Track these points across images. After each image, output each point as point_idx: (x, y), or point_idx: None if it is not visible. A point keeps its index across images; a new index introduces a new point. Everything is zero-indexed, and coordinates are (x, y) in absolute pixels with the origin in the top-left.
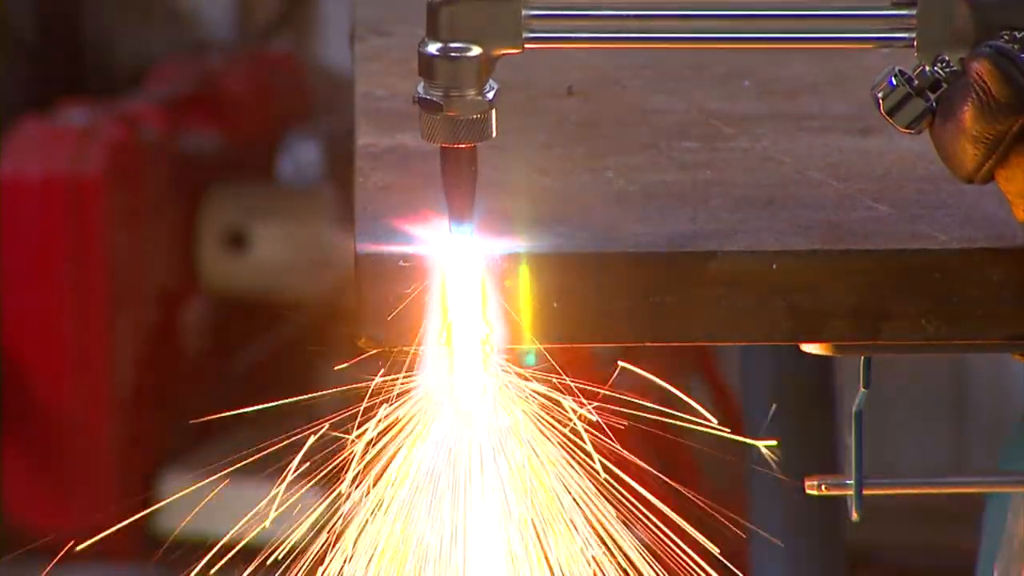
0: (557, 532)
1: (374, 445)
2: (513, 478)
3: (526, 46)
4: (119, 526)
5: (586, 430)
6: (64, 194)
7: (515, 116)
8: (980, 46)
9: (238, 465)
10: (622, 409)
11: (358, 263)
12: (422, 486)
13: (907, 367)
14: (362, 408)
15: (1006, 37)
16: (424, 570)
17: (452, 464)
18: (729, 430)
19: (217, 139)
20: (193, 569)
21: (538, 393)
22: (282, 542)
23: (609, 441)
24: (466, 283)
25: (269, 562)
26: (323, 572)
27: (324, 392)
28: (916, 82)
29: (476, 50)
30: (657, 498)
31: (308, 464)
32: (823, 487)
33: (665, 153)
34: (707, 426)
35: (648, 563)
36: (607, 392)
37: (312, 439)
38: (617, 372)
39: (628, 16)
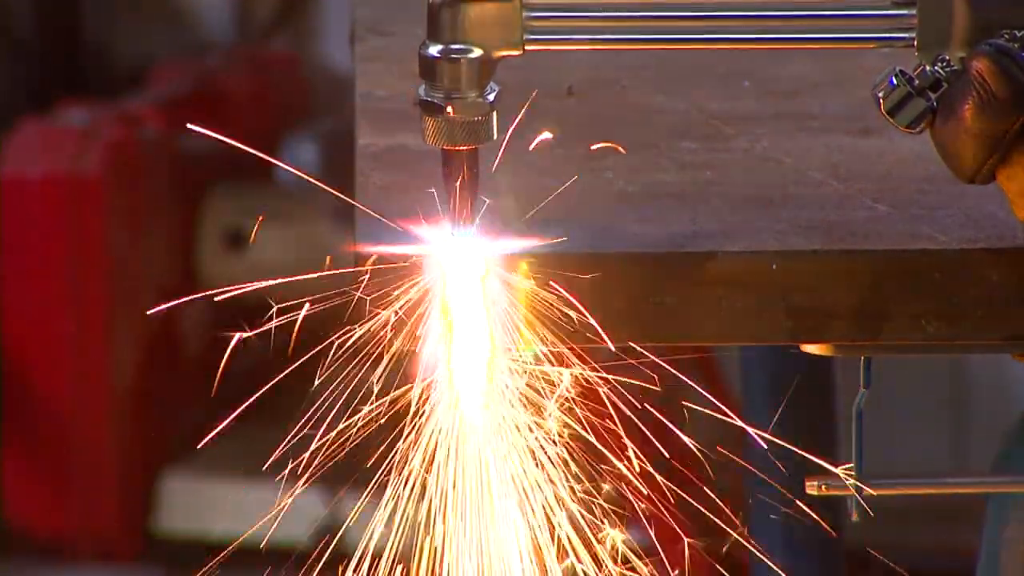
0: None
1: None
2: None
3: (527, 48)
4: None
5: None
6: (64, 194)
7: (515, 116)
8: (980, 45)
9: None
10: (621, 406)
11: (358, 263)
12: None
13: (907, 367)
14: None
15: (1006, 36)
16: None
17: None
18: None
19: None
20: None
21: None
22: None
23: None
24: (466, 283)
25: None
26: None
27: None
28: (917, 82)
29: (477, 52)
30: (654, 494)
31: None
32: (823, 487)
33: (665, 153)
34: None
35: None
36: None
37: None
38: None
39: (628, 17)
